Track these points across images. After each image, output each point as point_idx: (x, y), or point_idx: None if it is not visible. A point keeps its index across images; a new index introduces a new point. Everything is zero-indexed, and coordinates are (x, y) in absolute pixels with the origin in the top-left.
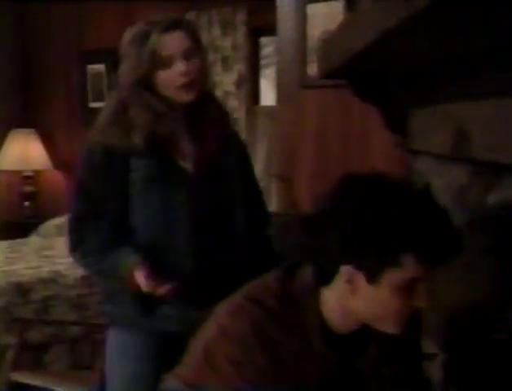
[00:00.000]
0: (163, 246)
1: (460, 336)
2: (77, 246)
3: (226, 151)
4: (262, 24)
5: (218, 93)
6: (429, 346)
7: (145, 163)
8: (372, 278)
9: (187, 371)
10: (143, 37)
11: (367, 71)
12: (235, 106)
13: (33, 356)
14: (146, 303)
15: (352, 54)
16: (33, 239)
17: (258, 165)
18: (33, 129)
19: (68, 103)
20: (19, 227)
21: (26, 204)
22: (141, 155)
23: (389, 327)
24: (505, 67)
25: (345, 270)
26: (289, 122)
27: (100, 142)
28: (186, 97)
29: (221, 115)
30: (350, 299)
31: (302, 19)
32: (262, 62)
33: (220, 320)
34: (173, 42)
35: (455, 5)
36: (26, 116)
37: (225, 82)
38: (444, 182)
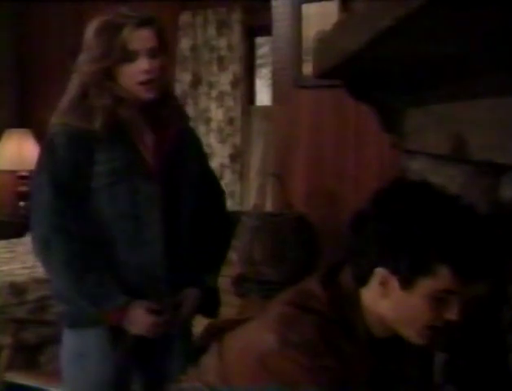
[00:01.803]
0: (133, 239)
1: (456, 335)
2: (49, 245)
3: (182, 149)
4: (257, 24)
5: (214, 93)
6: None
7: (109, 156)
8: (406, 284)
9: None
10: (116, 29)
11: (362, 71)
12: (230, 106)
13: (27, 356)
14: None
15: (347, 54)
16: (28, 239)
17: (254, 165)
18: (28, 129)
19: None
20: (14, 227)
21: (21, 203)
22: (105, 148)
23: (414, 337)
24: (500, 67)
25: (380, 272)
26: (284, 122)
27: (64, 124)
28: (145, 95)
29: (178, 113)
30: (381, 301)
31: (298, 19)
32: (258, 62)
33: (275, 330)
34: (141, 38)
35: (449, 5)
36: (21, 116)
37: (220, 82)
38: (440, 182)
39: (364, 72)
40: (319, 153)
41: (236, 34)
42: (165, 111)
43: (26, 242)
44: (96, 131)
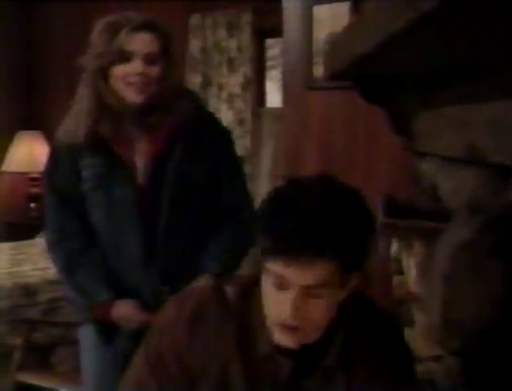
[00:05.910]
0: (112, 243)
1: (465, 338)
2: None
3: (177, 148)
4: (267, 26)
5: (224, 95)
6: (434, 348)
7: (92, 162)
8: (263, 265)
9: None
10: (115, 30)
11: (373, 73)
12: (240, 108)
13: (39, 357)
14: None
15: (358, 56)
16: (40, 241)
17: (264, 167)
18: (39, 131)
19: None
20: (26, 228)
21: (32, 205)
22: (88, 154)
23: (275, 334)
24: None
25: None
26: (295, 124)
27: (56, 140)
28: (134, 97)
29: (177, 109)
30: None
31: (308, 21)
32: (268, 63)
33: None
34: (139, 41)
35: (462, 6)
36: (32, 118)
37: (231, 84)
38: (452, 185)
39: (376, 73)
40: (329, 155)
41: (246, 36)
42: (153, 116)
43: (38, 243)
44: (79, 142)
